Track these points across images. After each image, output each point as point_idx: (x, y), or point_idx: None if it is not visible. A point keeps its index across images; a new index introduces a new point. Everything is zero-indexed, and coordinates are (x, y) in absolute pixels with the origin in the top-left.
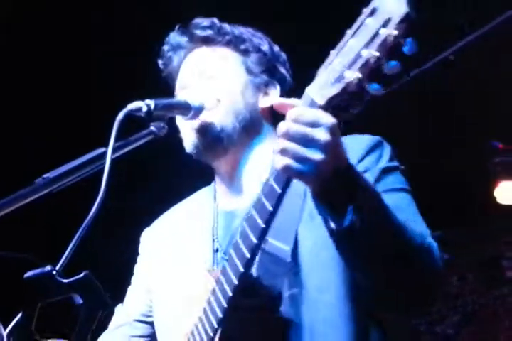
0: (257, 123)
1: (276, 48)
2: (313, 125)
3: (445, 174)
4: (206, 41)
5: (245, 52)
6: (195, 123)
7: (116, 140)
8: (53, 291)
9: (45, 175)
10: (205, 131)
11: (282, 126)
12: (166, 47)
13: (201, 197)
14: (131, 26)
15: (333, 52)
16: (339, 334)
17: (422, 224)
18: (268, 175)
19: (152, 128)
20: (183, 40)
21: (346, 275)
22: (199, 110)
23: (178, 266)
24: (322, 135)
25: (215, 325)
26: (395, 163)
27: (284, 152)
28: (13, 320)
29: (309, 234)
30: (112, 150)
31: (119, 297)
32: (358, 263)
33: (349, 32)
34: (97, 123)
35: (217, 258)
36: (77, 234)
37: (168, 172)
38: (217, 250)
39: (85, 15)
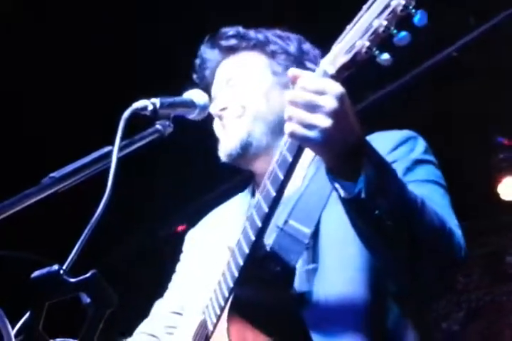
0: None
1: (307, 46)
2: (320, 93)
3: (448, 169)
4: (232, 50)
5: (271, 54)
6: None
7: (122, 138)
8: (61, 291)
9: (51, 175)
10: (234, 140)
11: (289, 94)
12: (197, 61)
13: (240, 200)
14: (132, 25)
15: (348, 27)
16: (355, 309)
17: (451, 214)
18: (282, 146)
19: (158, 126)
20: (213, 51)
21: (367, 253)
22: (204, 108)
23: (209, 255)
24: (328, 102)
25: (226, 295)
26: (430, 157)
27: (290, 118)
28: (20, 319)
29: (333, 217)
30: (118, 148)
31: (128, 296)
32: (368, 237)
33: (364, 7)
34: (102, 122)
35: None
36: (84, 233)
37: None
38: None
39: (85, 15)
